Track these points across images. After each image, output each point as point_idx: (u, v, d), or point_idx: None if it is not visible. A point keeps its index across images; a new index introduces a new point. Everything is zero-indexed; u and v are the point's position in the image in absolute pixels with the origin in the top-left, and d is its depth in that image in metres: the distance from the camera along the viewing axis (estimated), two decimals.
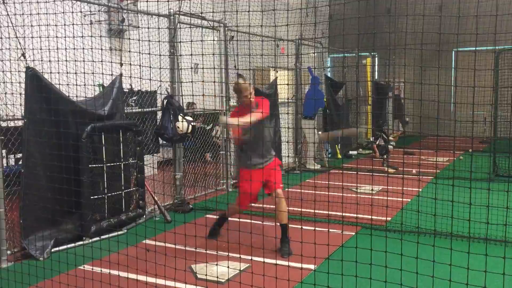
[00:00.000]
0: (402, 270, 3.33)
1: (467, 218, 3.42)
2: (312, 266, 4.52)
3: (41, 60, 5.12)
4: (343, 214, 4.00)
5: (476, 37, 3.15)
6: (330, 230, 3.86)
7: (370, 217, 5.02)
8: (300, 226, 4.65)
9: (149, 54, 4.75)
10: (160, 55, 5.29)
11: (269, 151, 5.38)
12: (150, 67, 4.81)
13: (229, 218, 5.74)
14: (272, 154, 5.42)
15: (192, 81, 5.27)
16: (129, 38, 9.14)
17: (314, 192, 4.17)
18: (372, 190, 6.86)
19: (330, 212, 5.06)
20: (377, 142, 11.92)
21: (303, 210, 5.75)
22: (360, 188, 7.94)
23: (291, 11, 4.23)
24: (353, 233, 5.60)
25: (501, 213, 3.88)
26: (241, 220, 5.37)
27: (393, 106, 16.44)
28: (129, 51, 7.03)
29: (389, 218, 6.17)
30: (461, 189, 3.42)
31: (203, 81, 5.09)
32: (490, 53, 8.84)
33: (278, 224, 5.28)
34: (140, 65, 4.58)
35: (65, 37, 5.09)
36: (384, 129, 12.59)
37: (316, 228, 4.14)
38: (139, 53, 4.49)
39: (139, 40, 4.72)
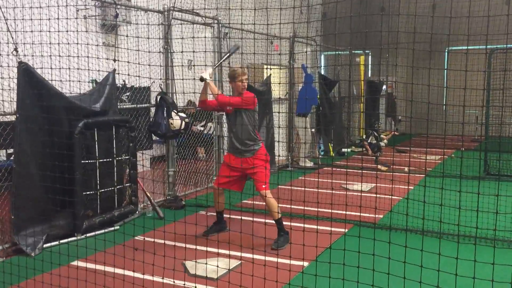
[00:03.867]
0: (389, 270, 3.36)
1: (457, 216, 3.45)
2: (302, 263, 4.54)
3: (33, 56, 5.09)
4: (332, 211, 4.01)
5: (468, 37, 3.18)
6: (320, 228, 3.88)
7: (360, 214, 5.06)
8: (289, 223, 4.66)
9: (145, 50, 4.74)
10: (155, 51, 5.28)
11: (250, 143, 5.39)
12: (147, 61, 4.81)
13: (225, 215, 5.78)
14: (254, 148, 5.41)
15: (193, 72, 5.26)
16: (127, 34, 9.08)
17: (304, 189, 4.19)
18: (362, 189, 6.90)
19: (320, 210, 5.08)
20: (369, 140, 11.97)
21: (293, 207, 5.77)
22: (352, 186, 7.97)
23: (285, 9, 4.24)
24: (345, 231, 5.62)
25: (492, 214, 3.92)
26: (231, 216, 5.40)
27: (386, 104, 16.49)
28: (129, 48, 7.00)
29: (380, 216, 6.20)
30: (452, 187, 3.45)
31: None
32: (483, 51, 8.88)
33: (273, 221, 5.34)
34: (137, 62, 4.57)
35: (58, 31, 5.07)
36: (376, 127, 12.64)
37: (306, 226, 4.15)
38: (137, 50, 4.49)
39: (138, 37, 4.71)
